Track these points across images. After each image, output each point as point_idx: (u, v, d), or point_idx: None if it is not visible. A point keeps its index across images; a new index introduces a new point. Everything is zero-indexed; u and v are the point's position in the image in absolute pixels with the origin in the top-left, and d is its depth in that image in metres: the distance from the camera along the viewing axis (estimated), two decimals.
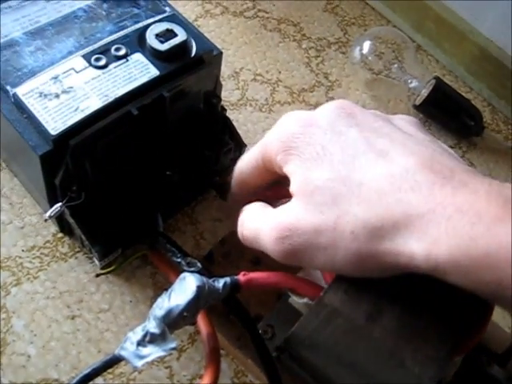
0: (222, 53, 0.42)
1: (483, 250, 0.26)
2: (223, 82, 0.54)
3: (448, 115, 0.59)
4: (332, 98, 0.58)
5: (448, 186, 0.28)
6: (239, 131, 0.47)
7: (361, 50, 0.59)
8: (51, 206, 0.38)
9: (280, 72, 0.59)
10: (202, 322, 0.37)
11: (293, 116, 0.34)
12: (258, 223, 0.34)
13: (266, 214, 0.34)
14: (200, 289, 0.32)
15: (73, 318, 0.41)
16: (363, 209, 0.29)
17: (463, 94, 0.61)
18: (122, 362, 0.34)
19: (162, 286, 0.43)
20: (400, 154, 0.30)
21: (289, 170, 0.32)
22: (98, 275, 0.42)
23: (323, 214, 0.30)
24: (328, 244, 0.30)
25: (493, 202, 0.27)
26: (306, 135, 0.32)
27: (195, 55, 0.40)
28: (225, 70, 0.57)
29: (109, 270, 0.41)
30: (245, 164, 0.37)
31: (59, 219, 0.42)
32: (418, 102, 0.59)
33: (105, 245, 0.40)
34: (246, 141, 0.47)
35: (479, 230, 0.26)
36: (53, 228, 0.44)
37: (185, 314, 0.32)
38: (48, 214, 0.38)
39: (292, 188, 0.32)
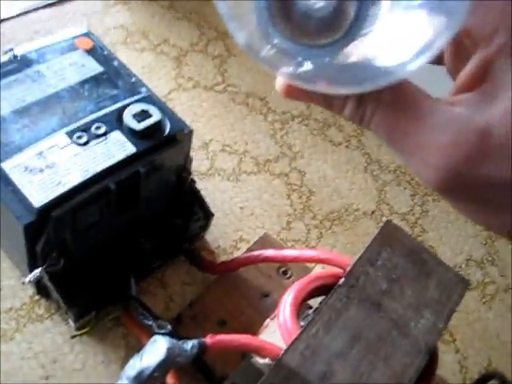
0: (192, 131, 0.46)
1: None
2: (193, 153, 0.58)
3: None
4: (295, 168, 0.62)
5: None
6: (208, 199, 0.51)
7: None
8: (30, 271, 0.41)
9: (247, 143, 0.63)
10: (170, 380, 0.40)
11: None
12: None
13: None
14: (170, 351, 0.35)
15: (47, 377, 0.43)
16: None
17: None
18: None
19: (134, 347, 0.45)
20: None
21: None
22: (73, 337, 0.44)
23: None
24: None
25: None
26: None
27: (168, 134, 0.44)
28: (195, 141, 0.61)
29: (83, 331, 0.44)
30: None
31: (37, 282, 0.44)
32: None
33: (80, 307, 0.43)
34: (213, 209, 0.51)
35: None
36: (30, 290, 0.47)
37: (155, 374, 0.35)
38: (28, 278, 0.41)
39: None
